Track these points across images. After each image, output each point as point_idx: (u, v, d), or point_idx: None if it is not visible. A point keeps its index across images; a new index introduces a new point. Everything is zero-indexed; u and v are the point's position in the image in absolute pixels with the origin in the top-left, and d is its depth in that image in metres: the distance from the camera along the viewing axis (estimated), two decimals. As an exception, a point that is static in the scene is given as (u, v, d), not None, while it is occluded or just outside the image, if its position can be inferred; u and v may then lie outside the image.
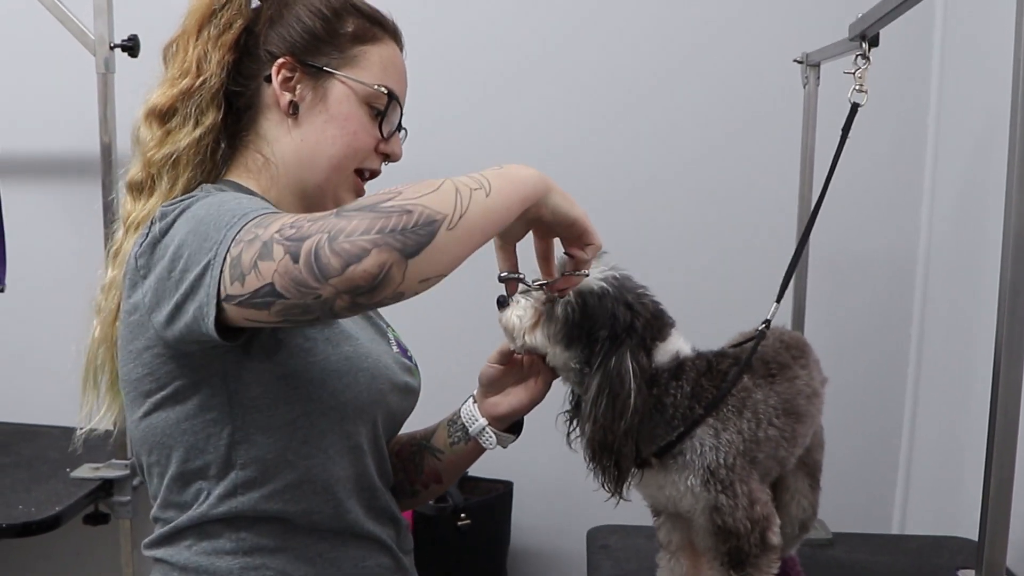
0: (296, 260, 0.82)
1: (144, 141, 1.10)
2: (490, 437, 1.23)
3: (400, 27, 1.19)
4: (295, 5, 1.13)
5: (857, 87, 1.44)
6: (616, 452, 1.15)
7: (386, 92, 1.13)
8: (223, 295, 0.87)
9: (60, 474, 2.04)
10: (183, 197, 1.01)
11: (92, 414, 1.17)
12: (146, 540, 1.11)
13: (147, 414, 1.05)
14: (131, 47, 1.92)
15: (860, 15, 1.47)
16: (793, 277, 1.48)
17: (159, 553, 1.09)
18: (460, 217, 0.85)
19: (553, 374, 1.23)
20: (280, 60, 1.11)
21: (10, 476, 2.07)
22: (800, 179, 1.98)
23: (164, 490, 1.07)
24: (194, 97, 1.09)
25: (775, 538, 1.23)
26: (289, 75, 1.11)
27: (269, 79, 1.11)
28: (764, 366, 1.28)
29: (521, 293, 1.18)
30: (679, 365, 1.19)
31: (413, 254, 0.82)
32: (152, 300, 0.97)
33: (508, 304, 1.19)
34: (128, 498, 2.03)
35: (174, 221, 0.96)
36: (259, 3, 1.15)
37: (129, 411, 1.08)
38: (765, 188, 2.36)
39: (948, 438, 2.18)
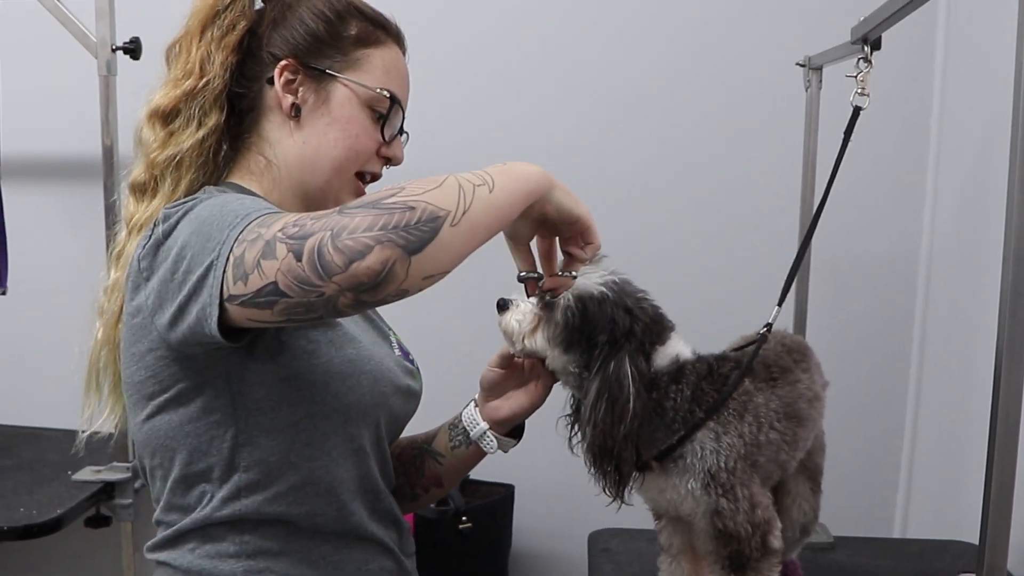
0: (299, 258, 0.82)
1: (147, 142, 1.10)
2: (491, 441, 1.23)
3: (402, 30, 1.19)
4: (298, 7, 1.13)
5: (859, 90, 1.44)
6: (616, 456, 1.15)
7: (388, 95, 1.13)
8: (226, 295, 0.87)
9: (61, 477, 2.04)
10: (186, 199, 1.01)
11: (94, 417, 1.17)
12: (149, 543, 1.11)
13: (150, 417, 1.05)
14: (133, 49, 1.93)
15: (862, 18, 1.48)
16: (795, 280, 1.48)
17: (162, 556, 1.09)
18: (463, 213, 0.85)
19: (553, 378, 1.22)
20: (283, 62, 1.11)
21: (11, 479, 2.07)
22: (802, 182, 1.98)
23: (167, 493, 1.07)
24: (197, 98, 1.09)
25: (776, 542, 1.23)
26: (292, 77, 1.11)
27: (272, 81, 1.11)
28: (765, 370, 1.27)
29: (517, 295, 1.19)
30: (679, 369, 1.19)
31: (416, 251, 0.82)
32: (155, 302, 0.97)
33: (508, 307, 1.19)
34: (130, 501, 2.03)
35: (177, 223, 0.96)
36: (262, 5, 1.15)
37: (132, 414, 1.08)
38: (767, 191, 2.36)
39: (950, 442, 2.17)
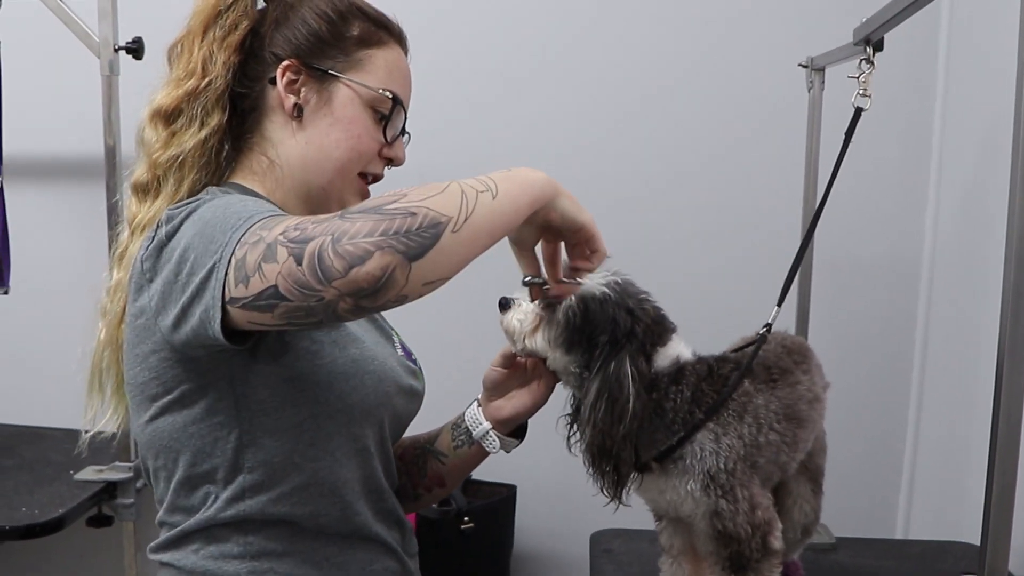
0: (300, 262, 0.82)
1: (149, 142, 1.10)
2: (494, 441, 1.23)
3: (405, 30, 1.19)
4: (301, 7, 1.13)
5: (861, 91, 1.44)
6: (615, 457, 1.15)
7: (390, 96, 1.13)
8: (227, 298, 0.87)
9: (63, 476, 2.04)
10: (189, 200, 1.01)
11: (97, 417, 1.17)
12: (152, 544, 1.11)
13: (153, 418, 1.05)
14: (135, 49, 1.92)
15: (864, 19, 1.48)
16: (797, 281, 1.48)
17: (166, 557, 1.09)
18: (465, 220, 0.85)
19: (556, 378, 1.22)
20: (285, 62, 1.11)
21: (13, 478, 2.07)
22: (804, 183, 1.98)
23: (171, 494, 1.07)
24: (199, 98, 1.09)
25: (777, 543, 1.23)
26: (294, 78, 1.11)
27: (274, 81, 1.11)
28: (765, 371, 1.27)
29: (519, 293, 1.19)
30: (679, 370, 1.19)
31: (417, 257, 0.82)
32: (158, 303, 0.97)
33: (510, 306, 1.19)
34: (132, 500, 2.03)
35: (180, 224, 0.96)
36: (265, 5, 1.15)
37: (135, 415, 1.08)
38: (769, 192, 2.36)
39: (952, 442, 2.17)
